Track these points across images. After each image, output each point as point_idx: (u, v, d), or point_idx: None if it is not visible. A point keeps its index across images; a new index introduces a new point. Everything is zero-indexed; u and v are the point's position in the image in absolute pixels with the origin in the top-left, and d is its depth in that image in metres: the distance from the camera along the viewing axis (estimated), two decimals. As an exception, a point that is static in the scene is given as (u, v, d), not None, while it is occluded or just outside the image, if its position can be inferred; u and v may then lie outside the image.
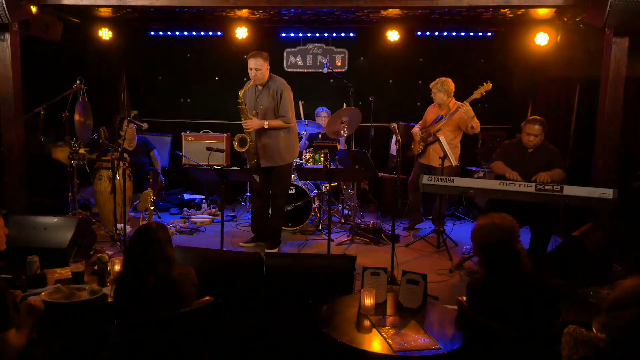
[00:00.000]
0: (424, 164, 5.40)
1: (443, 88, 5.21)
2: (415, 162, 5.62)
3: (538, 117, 4.50)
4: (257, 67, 4.55)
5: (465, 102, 5.01)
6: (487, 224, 2.42)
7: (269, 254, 3.33)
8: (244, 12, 6.04)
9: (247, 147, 4.59)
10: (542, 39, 6.00)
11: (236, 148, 4.67)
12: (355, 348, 2.21)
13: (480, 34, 6.82)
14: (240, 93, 4.59)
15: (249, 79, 4.63)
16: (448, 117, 5.15)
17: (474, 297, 2.45)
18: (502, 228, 2.38)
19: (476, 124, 5.11)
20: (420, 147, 5.40)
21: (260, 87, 4.68)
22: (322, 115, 6.40)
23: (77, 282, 2.94)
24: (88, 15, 6.21)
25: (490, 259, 2.40)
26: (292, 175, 5.72)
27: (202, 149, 6.49)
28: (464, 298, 2.54)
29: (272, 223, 4.90)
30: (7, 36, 4.78)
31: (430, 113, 5.47)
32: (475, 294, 2.45)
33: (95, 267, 3.04)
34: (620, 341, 1.59)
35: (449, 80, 5.25)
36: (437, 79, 5.28)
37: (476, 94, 5.03)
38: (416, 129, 5.50)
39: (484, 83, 5.03)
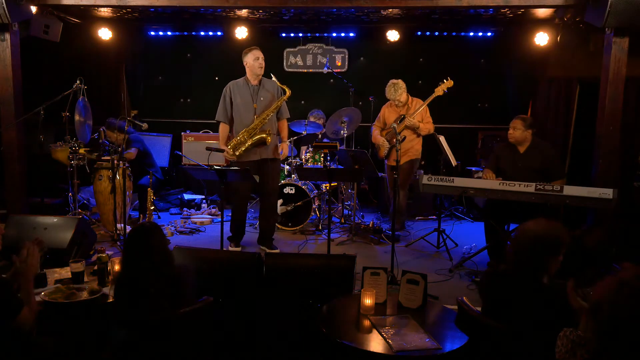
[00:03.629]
0: (393, 166, 5.27)
1: (401, 88, 5.20)
2: (385, 166, 5.58)
3: (524, 115, 4.60)
4: (263, 57, 4.64)
5: (426, 101, 5.10)
6: (548, 225, 2.34)
7: (269, 254, 3.32)
8: (244, 12, 6.04)
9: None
10: (542, 39, 5.99)
11: (267, 142, 4.68)
12: (355, 348, 2.21)
13: (480, 34, 6.82)
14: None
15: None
16: (413, 114, 5.16)
17: (489, 287, 2.41)
18: (534, 231, 2.31)
19: (426, 129, 5.19)
20: (386, 149, 5.31)
21: (255, 83, 4.69)
22: (310, 119, 6.33)
23: (77, 282, 2.94)
24: (88, 15, 6.21)
25: (530, 259, 2.29)
26: (293, 175, 5.74)
27: (202, 149, 6.49)
28: (465, 298, 2.54)
29: (272, 222, 4.89)
30: (7, 36, 4.78)
31: (391, 113, 5.38)
32: (491, 284, 2.41)
33: (95, 267, 3.04)
34: (610, 342, 1.60)
35: (398, 80, 5.25)
36: (389, 86, 5.23)
37: (438, 91, 5.05)
38: (379, 135, 5.39)
39: (445, 80, 5.05)
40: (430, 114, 5.29)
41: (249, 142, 4.61)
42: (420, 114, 5.19)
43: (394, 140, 5.16)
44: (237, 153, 4.64)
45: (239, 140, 4.64)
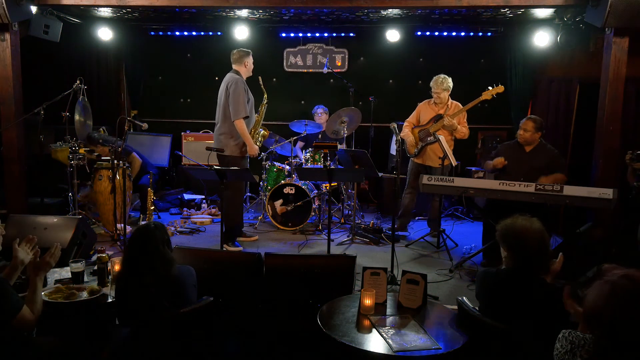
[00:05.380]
0: (421, 164, 5.26)
1: (447, 86, 5.11)
2: (410, 163, 5.44)
3: (535, 117, 4.56)
4: None
5: (468, 105, 5.00)
6: (526, 222, 2.37)
7: (269, 254, 3.32)
8: (244, 12, 6.04)
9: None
10: (542, 39, 5.99)
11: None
12: (355, 348, 2.21)
13: (480, 34, 6.82)
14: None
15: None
16: (454, 115, 5.02)
17: (485, 287, 2.42)
18: (539, 229, 2.34)
19: (462, 132, 5.09)
20: (418, 147, 5.24)
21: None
22: (319, 112, 6.42)
23: (77, 282, 2.93)
24: (88, 15, 6.21)
25: (524, 255, 2.32)
26: (293, 175, 5.74)
27: (202, 149, 6.49)
28: (465, 298, 2.54)
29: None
30: (7, 36, 4.79)
31: (427, 111, 5.26)
32: (487, 284, 2.41)
33: (95, 267, 3.03)
34: (609, 344, 1.60)
35: (449, 77, 5.17)
36: (438, 77, 5.13)
37: (486, 95, 4.93)
38: (410, 133, 5.29)
39: (494, 85, 4.92)
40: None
41: (261, 139, 4.91)
42: (458, 117, 5.07)
43: (428, 139, 5.15)
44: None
45: (255, 138, 4.93)
